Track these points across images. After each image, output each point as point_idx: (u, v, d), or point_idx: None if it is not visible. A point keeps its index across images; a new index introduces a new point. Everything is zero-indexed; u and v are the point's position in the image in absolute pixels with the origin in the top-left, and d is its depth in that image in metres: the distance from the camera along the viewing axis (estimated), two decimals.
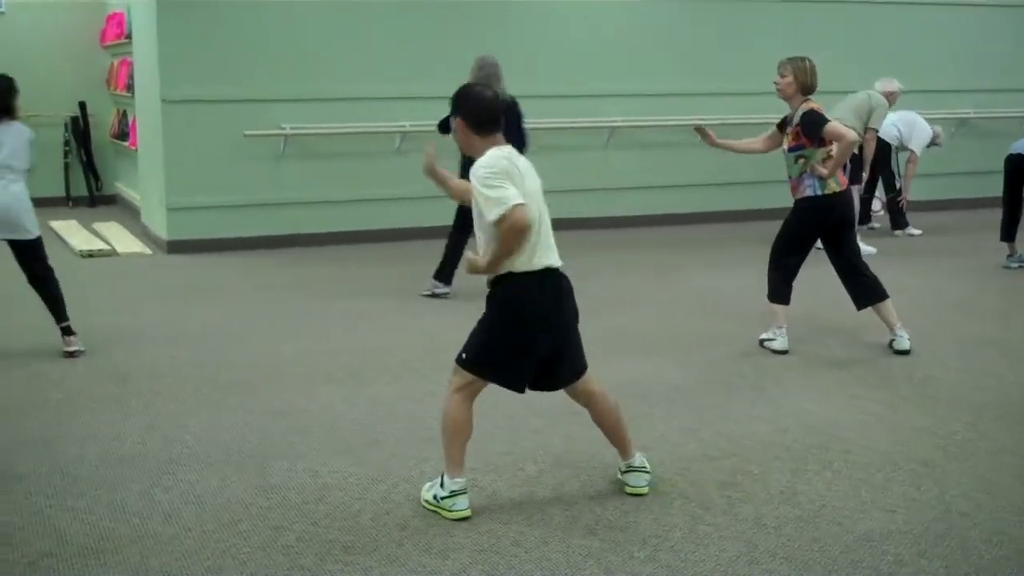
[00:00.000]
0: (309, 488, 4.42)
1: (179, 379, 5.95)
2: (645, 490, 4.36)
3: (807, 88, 6.33)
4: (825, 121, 6.23)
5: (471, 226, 4.29)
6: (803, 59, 6.39)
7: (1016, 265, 9.11)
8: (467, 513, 4.14)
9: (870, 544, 3.90)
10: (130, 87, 11.44)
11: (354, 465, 4.67)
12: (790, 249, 6.50)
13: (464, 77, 10.84)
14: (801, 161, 6.32)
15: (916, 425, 5.19)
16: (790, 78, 6.33)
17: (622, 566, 3.75)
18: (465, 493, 4.17)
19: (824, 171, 6.23)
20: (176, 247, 9.85)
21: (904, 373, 6.06)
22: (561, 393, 5.60)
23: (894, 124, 10.38)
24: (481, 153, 4.11)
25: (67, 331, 6.39)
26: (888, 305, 6.49)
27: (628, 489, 4.38)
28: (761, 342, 6.53)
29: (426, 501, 4.24)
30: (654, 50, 11.25)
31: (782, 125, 6.50)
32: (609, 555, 3.83)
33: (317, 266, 9.34)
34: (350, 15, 10.22)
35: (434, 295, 8.02)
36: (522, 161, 4.18)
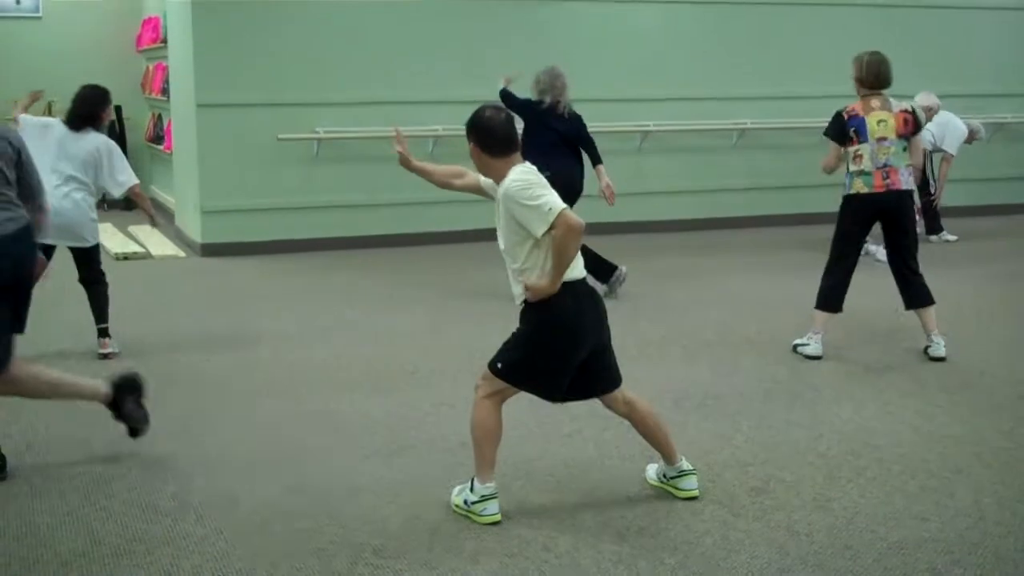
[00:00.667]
0: (340, 491, 4.43)
1: (212, 381, 5.98)
2: (698, 492, 4.34)
3: (866, 82, 6.41)
4: (828, 132, 6.52)
5: None
6: (868, 53, 6.47)
7: None
8: (497, 518, 4.14)
9: (903, 552, 3.87)
10: (165, 91, 11.51)
11: (385, 469, 4.69)
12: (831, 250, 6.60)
13: (495, 81, 10.89)
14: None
15: (951, 433, 5.14)
16: (853, 73, 6.48)
17: (652, 572, 3.74)
18: (495, 498, 4.17)
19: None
20: (210, 250, 9.91)
21: (939, 381, 6.00)
22: (592, 400, 5.62)
23: (927, 129, 10.30)
24: (503, 174, 4.12)
25: (103, 333, 6.46)
26: (931, 311, 6.45)
27: (681, 494, 4.34)
28: (795, 347, 6.50)
29: (456, 506, 4.24)
30: (687, 54, 11.21)
31: None
32: (639, 561, 3.82)
33: (350, 270, 9.37)
34: (383, 18, 10.25)
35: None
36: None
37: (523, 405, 5.53)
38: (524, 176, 4.08)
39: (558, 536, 4.01)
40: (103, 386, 4.80)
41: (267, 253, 9.92)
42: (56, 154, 6.28)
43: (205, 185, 9.92)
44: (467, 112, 10.59)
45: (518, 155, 4.18)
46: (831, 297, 6.51)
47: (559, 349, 4.15)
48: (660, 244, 10.36)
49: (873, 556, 3.85)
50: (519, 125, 4.87)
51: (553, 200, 3.99)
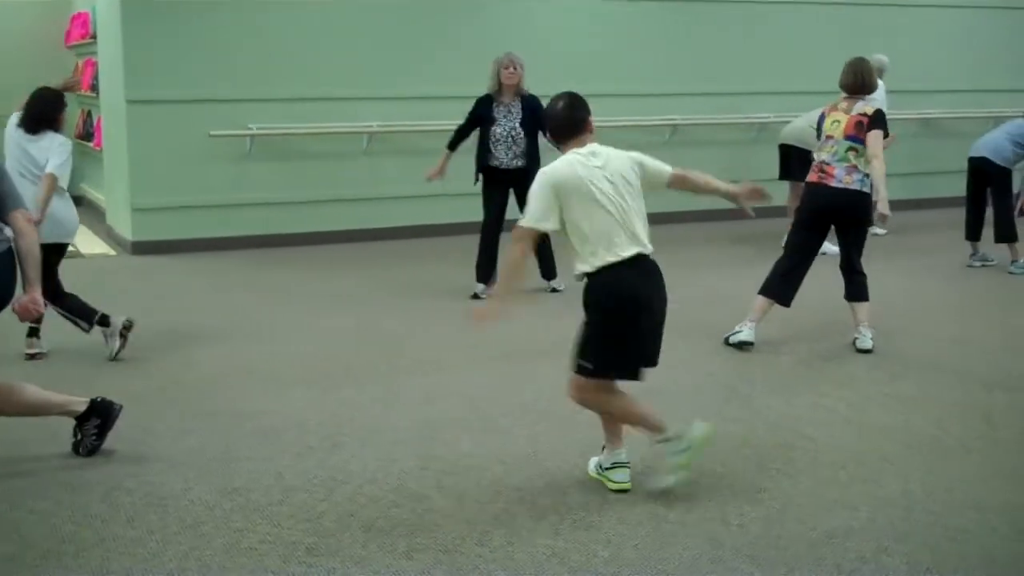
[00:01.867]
0: (273, 490, 4.39)
1: (143, 381, 5.90)
2: (628, 485, 4.38)
3: (847, 86, 6.66)
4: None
5: None
6: (856, 58, 6.74)
7: (979, 264, 9.19)
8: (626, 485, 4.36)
9: (833, 542, 3.92)
10: (95, 87, 11.35)
11: (318, 467, 4.65)
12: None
13: (435, 77, 10.86)
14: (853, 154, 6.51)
15: (881, 424, 5.22)
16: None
17: (586, 565, 3.75)
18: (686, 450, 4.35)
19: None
20: (141, 248, 9.78)
21: (871, 373, 6.09)
22: (528, 394, 5.64)
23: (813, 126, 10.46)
24: None
25: (33, 333, 6.34)
26: (864, 307, 6.58)
27: (612, 486, 4.39)
28: (726, 339, 6.59)
29: (690, 459, 4.34)
30: (633, 51, 11.28)
31: None
32: (573, 555, 3.82)
33: (284, 268, 9.30)
34: (317, 15, 10.18)
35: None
36: (597, 160, 4.31)
37: (456, 401, 5.55)
38: (542, 176, 4.34)
39: (492, 531, 4.01)
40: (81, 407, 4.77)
41: (200, 251, 9.81)
42: (18, 158, 6.17)
43: (136, 182, 9.79)
44: (402, 108, 10.72)
45: (582, 138, 4.39)
46: (773, 286, 6.63)
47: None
48: None
49: (804, 546, 3.89)
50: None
51: (530, 210, 4.31)
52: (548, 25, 10.86)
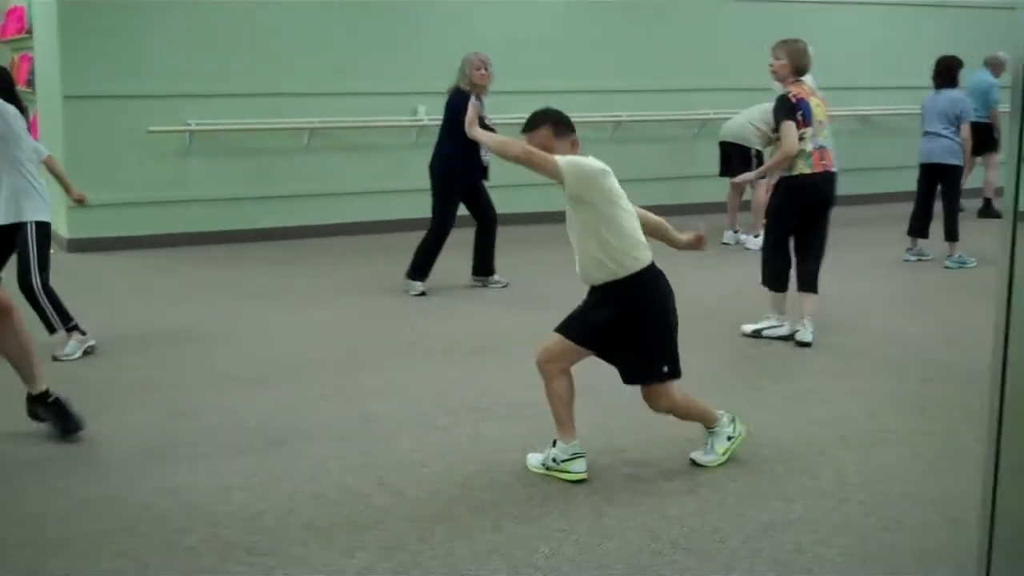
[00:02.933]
0: (212, 489, 4.36)
1: (81, 381, 5.83)
2: (586, 475, 4.45)
3: (800, 70, 6.56)
4: (786, 117, 6.45)
5: None
6: (796, 40, 6.62)
7: (915, 258, 9.35)
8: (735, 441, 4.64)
9: (770, 534, 3.96)
10: (31, 83, 11.16)
11: (258, 465, 4.63)
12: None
13: (377, 73, 10.85)
14: (778, 143, 6.57)
15: (818, 417, 5.29)
16: (784, 60, 6.53)
17: (527, 561, 3.76)
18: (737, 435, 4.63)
19: (750, 176, 6.43)
20: (77, 245, 9.66)
21: (808, 366, 6.17)
22: (470, 390, 5.65)
23: (753, 120, 10.57)
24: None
25: None
26: (811, 299, 6.66)
27: (570, 477, 4.44)
28: (758, 332, 6.68)
29: (711, 460, 4.57)
30: (576, 48, 11.31)
31: None
32: (514, 550, 3.84)
33: (224, 265, 9.23)
34: (257, 10, 10.11)
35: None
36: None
37: (397, 398, 5.54)
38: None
39: (433, 528, 4.01)
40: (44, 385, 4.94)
41: (137, 248, 9.72)
42: None
43: (72, 178, 9.63)
44: (343, 104, 10.66)
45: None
46: (781, 278, 6.69)
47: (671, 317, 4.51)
48: (539, 235, 10.42)
49: (741, 538, 3.93)
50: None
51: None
52: (491, 22, 10.86)
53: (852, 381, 5.89)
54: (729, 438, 4.64)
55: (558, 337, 4.49)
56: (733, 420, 4.70)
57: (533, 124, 4.44)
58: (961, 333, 6.80)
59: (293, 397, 5.59)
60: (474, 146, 7.85)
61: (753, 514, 4.13)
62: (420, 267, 8.03)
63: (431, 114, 10.66)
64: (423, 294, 7.92)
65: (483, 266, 8.25)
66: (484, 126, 7.86)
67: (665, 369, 4.41)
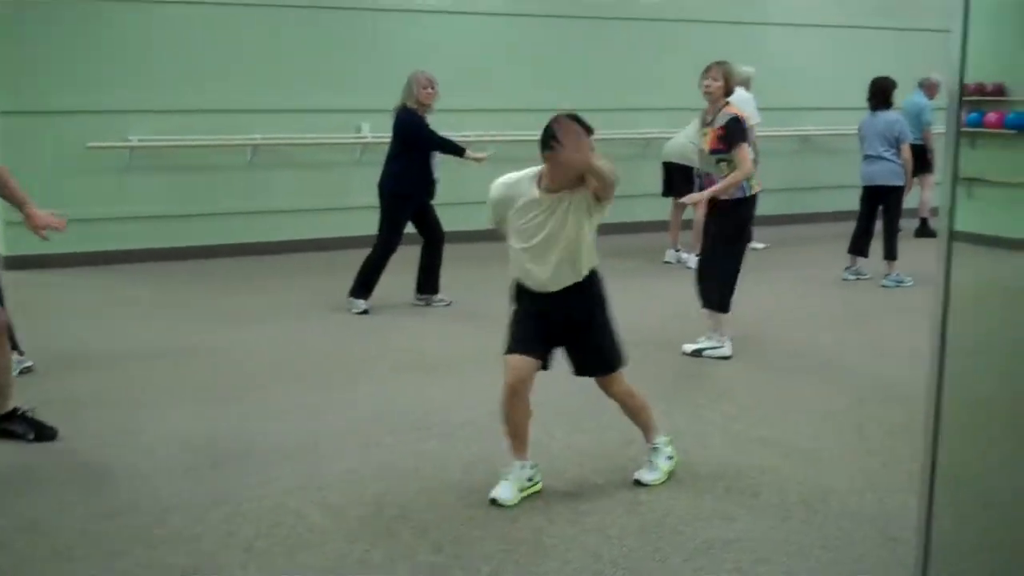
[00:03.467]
0: (149, 511, 4.30)
1: (16, 401, 5.72)
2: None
3: (730, 91, 6.68)
4: (742, 140, 6.51)
5: None
6: (726, 63, 6.73)
7: (853, 277, 9.46)
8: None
9: (710, 552, 3.98)
10: None
11: (197, 486, 4.57)
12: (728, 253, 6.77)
13: (318, 90, 10.83)
14: (723, 164, 6.59)
15: (758, 434, 5.32)
16: (720, 82, 6.61)
17: None
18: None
19: (699, 197, 6.53)
20: (15, 263, 9.49)
21: (747, 385, 6.21)
22: (412, 409, 5.63)
23: (691, 139, 10.68)
24: None
25: None
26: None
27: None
28: (698, 352, 6.73)
29: (656, 479, 4.60)
30: (517, 67, 11.35)
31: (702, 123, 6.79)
32: (454, 571, 3.82)
33: (166, 282, 9.14)
34: (199, 26, 10.05)
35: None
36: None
37: (339, 418, 5.51)
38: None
39: (374, 549, 3.99)
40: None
41: (77, 265, 9.59)
42: None
43: None
44: (285, 121, 10.58)
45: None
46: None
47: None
48: (481, 253, 10.40)
49: (682, 557, 3.94)
50: None
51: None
52: (432, 40, 10.88)
53: (791, 399, 5.93)
54: (668, 457, 4.68)
55: (524, 359, 4.44)
56: (670, 442, 4.74)
57: (586, 132, 4.44)
58: (898, 351, 6.89)
59: (233, 416, 5.54)
60: (425, 164, 7.86)
61: (694, 532, 4.15)
62: (364, 285, 7.99)
63: (375, 132, 10.67)
64: (366, 312, 7.90)
65: (428, 284, 8.23)
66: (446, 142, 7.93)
67: (622, 356, 4.58)
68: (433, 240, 8.21)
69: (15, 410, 5.14)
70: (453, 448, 5.06)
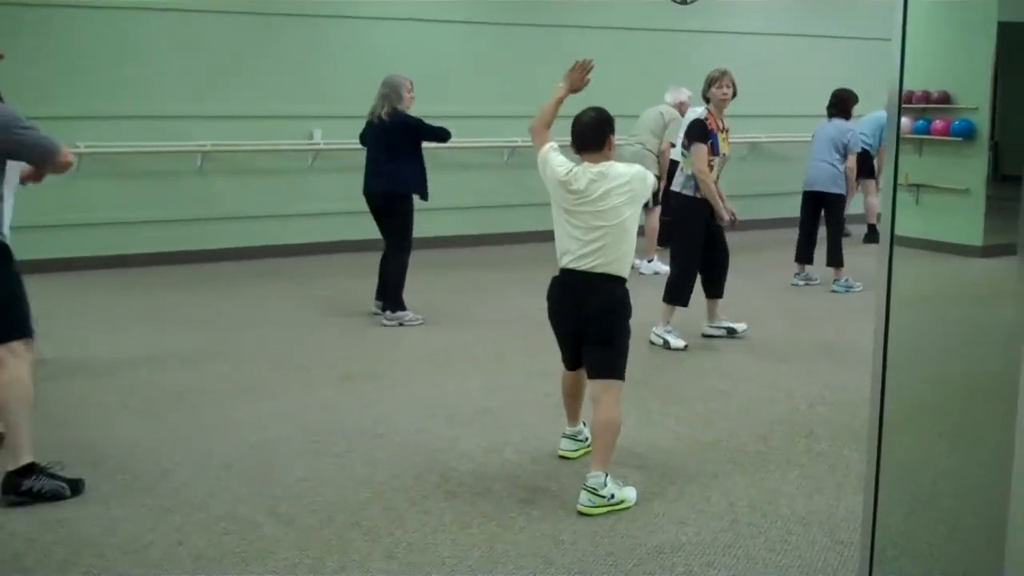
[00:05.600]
0: (99, 520, 4.27)
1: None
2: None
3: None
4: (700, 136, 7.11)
5: None
6: (728, 72, 7.33)
7: (803, 283, 9.56)
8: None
9: (661, 556, 4.01)
10: None
11: (146, 495, 4.54)
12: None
13: (268, 96, 10.78)
14: (684, 159, 7.20)
15: (708, 439, 5.37)
16: (733, 89, 7.22)
17: None
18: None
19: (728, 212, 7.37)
20: None
21: (699, 390, 6.25)
22: (365, 417, 5.62)
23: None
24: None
25: None
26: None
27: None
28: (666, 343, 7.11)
29: (595, 507, 4.38)
30: (472, 74, 11.36)
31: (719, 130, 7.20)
32: None
33: (112, 291, 9.05)
34: (148, 31, 9.97)
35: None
36: (583, 181, 4.58)
37: (290, 426, 5.49)
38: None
39: (325, 557, 3.98)
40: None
41: (24, 273, 9.43)
42: None
43: None
44: (236, 127, 10.52)
45: (594, 154, 4.64)
46: (687, 292, 7.24)
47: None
48: (443, 260, 10.43)
49: (633, 561, 3.97)
50: None
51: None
52: (383, 46, 10.85)
53: (741, 403, 5.99)
54: (612, 495, 4.44)
55: (569, 373, 4.88)
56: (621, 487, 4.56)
57: (609, 129, 4.71)
58: (847, 355, 6.97)
59: (184, 425, 5.50)
60: (423, 164, 7.84)
61: (645, 537, 4.18)
62: (399, 297, 7.86)
63: (327, 138, 10.64)
64: (422, 322, 7.84)
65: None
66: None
67: (622, 376, 4.63)
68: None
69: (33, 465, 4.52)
70: (405, 455, 5.06)
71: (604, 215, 4.50)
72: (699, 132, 7.09)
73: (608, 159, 4.62)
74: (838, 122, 9.46)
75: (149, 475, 4.78)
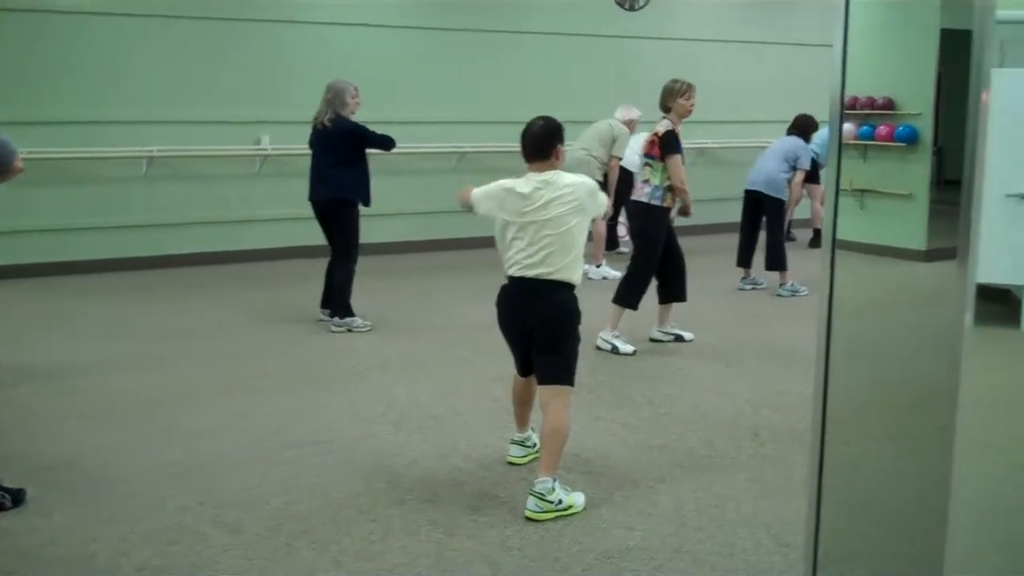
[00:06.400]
0: (42, 531, 4.21)
1: None
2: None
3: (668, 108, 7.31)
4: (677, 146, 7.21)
5: None
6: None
7: (750, 287, 9.65)
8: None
9: (609, 561, 4.02)
10: None
11: (90, 506, 4.49)
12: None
13: (217, 101, 10.70)
14: (648, 169, 7.21)
15: (655, 443, 5.39)
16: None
17: None
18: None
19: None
20: None
21: (645, 394, 6.28)
22: (312, 424, 5.60)
23: (635, 151, 10.82)
24: None
25: None
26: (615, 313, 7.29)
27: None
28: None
29: (543, 513, 4.39)
30: (423, 80, 11.35)
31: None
32: None
33: (55, 298, 8.94)
34: (94, 36, 9.87)
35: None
36: (528, 187, 4.59)
37: (236, 434, 5.45)
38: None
39: (271, 566, 3.95)
40: None
41: None
42: None
43: None
44: (183, 132, 10.46)
45: (539, 164, 4.63)
46: (639, 296, 7.33)
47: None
48: (391, 266, 10.39)
49: (581, 567, 3.98)
50: None
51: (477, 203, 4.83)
52: (332, 51, 10.82)
53: (688, 407, 6.03)
54: (560, 501, 4.46)
55: (520, 380, 4.90)
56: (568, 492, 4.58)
57: (556, 139, 4.66)
58: (792, 359, 7.04)
59: (129, 434, 5.44)
60: (367, 169, 7.83)
61: (592, 543, 4.19)
62: (346, 303, 7.85)
63: (275, 143, 10.58)
64: (370, 328, 7.82)
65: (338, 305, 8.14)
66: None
67: (572, 383, 4.67)
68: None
69: None
70: (353, 462, 5.04)
71: (549, 224, 4.51)
72: (674, 144, 7.18)
73: (555, 168, 4.64)
74: (794, 138, 9.65)
75: (93, 485, 4.73)
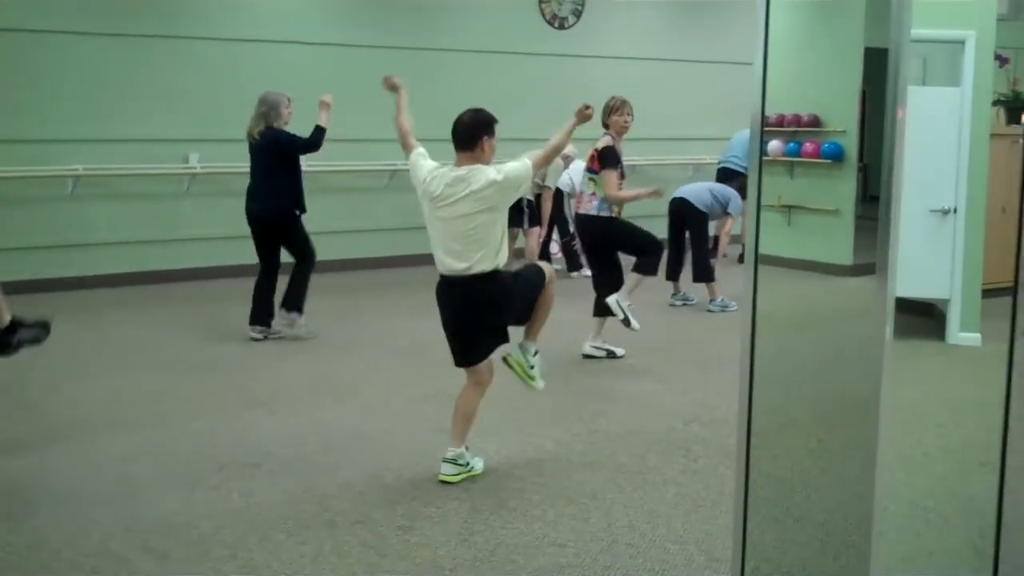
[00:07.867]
0: None
1: None
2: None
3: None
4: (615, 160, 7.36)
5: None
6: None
7: (680, 303, 9.71)
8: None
9: None
10: None
11: (11, 533, 4.38)
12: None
13: (144, 119, 10.57)
14: (592, 183, 7.40)
15: (588, 460, 5.40)
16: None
17: None
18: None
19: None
20: None
21: (577, 410, 6.29)
22: (242, 446, 5.53)
23: (568, 174, 10.94)
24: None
25: None
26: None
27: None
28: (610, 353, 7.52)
29: (455, 476, 4.96)
30: (353, 97, 11.29)
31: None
32: None
33: None
34: (16, 50, 9.71)
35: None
36: (439, 187, 4.85)
37: (162, 458, 5.36)
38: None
39: None
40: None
41: None
42: None
43: None
44: (109, 150, 10.32)
45: (462, 155, 4.86)
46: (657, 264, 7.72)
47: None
48: (323, 284, 10.29)
49: None
50: None
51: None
52: (261, 68, 10.74)
53: (619, 423, 6.04)
54: (467, 463, 5.06)
55: (464, 391, 5.18)
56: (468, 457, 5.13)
57: (484, 131, 4.87)
58: (722, 374, 7.09)
59: (52, 459, 5.33)
60: (299, 178, 7.85)
61: (525, 561, 4.18)
62: (299, 301, 8.02)
63: (203, 162, 10.48)
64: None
65: (296, 298, 8.10)
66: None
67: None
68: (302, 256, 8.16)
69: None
70: (281, 484, 4.98)
71: (457, 221, 4.77)
72: (612, 159, 7.30)
73: (480, 161, 4.71)
74: (728, 188, 9.93)
75: (14, 512, 4.62)
